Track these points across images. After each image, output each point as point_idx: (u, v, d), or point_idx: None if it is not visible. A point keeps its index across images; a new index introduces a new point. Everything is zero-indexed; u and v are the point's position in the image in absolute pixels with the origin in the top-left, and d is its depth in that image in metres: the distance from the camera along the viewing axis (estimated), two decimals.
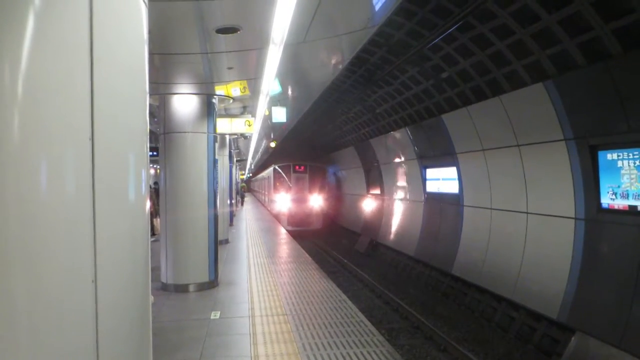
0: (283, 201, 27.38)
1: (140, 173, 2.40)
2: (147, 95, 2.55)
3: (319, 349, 5.29)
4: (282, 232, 18.11)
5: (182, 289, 8.12)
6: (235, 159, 26.15)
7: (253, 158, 40.41)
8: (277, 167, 28.36)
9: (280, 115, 10.95)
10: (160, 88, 8.03)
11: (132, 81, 2.35)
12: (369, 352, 5.17)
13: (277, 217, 27.17)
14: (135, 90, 2.39)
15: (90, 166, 2.07)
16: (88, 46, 2.05)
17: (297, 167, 28.07)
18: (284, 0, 4.45)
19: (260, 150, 32.39)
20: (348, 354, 5.15)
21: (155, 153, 11.90)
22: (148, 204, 2.54)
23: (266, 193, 36.21)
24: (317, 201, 27.62)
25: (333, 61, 7.85)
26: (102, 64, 2.09)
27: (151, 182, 18.58)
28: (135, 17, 2.34)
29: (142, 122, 2.47)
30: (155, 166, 19.81)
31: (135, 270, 2.34)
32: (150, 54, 5.95)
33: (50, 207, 2.02)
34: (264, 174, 37.86)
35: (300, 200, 27.28)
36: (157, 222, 12.63)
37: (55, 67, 2.00)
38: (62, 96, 2.02)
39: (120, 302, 2.21)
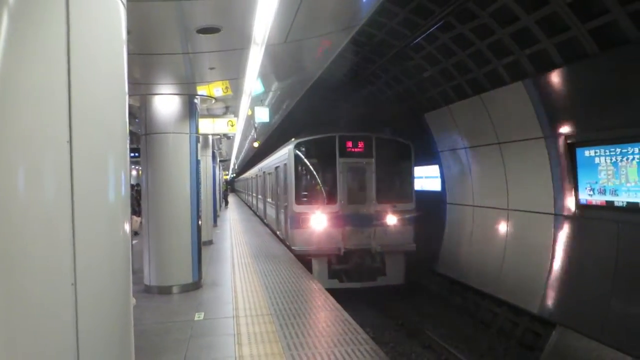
0: (315, 220, 12.21)
1: (120, 175, 2.39)
2: (127, 96, 2.54)
3: (303, 348, 5.30)
4: (266, 232, 18.09)
5: (165, 290, 8.06)
6: (218, 159, 25.96)
7: (237, 158, 39.35)
8: (298, 145, 12.74)
9: (263, 115, 10.92)
10: (141, 89, 7.96)
11: (110, 82, 2.34)
12: (353, 350, 5.20)
13: (286, 242, 13.78)
14: (114, 92, 2.39)
15: (69, 169, 2.06)
16: (65, 48, 2.03)
17: (348, 144, 12.62)
18: (265, 1, 4.45)
19: (245, 149, 31.63)
20: (333, 352, 5.17)
21: (137, 154, 11.79)
22: (129, 205, 2.53)
23: (266, 198, 20.04)
24: (397, 222, 12.50)
25: (315, 61, 7.86)
26: (80, 65, 2.08)
27: (134, 183, 18.38)
28: (113, 17, 2.33)
29: (122, 123, 2.46)
30: (136, 167, 19.59)
31: (116, 273, 2.33)
32: (130, 54, 5.90)
33: (28, 210, 2.00)
34: (265, 165, 20.31)
35: (357, 220, 12.37)
36: (137, 220, 12.50)
37: (32, 70, 1.99)
38: (39, 99, 2.00)
39: (100, 305, 2.20)
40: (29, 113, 1.97)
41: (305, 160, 12.44)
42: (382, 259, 12.21)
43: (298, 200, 12.20)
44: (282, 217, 14.29)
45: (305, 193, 12.46)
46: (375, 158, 12.30)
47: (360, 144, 12.35)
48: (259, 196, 25.31)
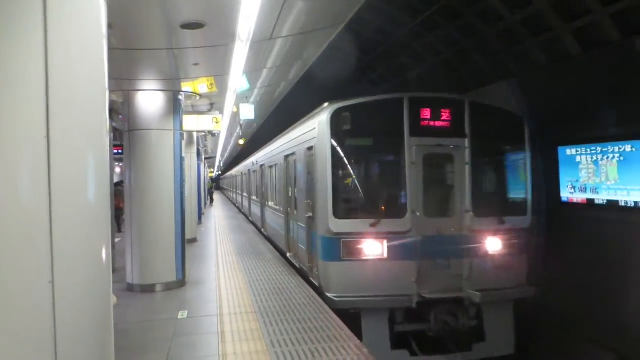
0: (368, 248, 7.01)
1: (101, 171, 2.36)
2: (107, 92, 2.50)
3: (287, 345, 5.29)
4: (252, 229, 18.03)
5: (148, 289, 7.98)
6: (203, 157, 25.78)
7: (222, 156, 39.07)
8: (338, 114, 7.14)
9: (248, 112, 10.87)
10: (125, 84, 7.86)
11: (90, 77, 2.30)
12: (337, 347, 5.21)
13: (311, 279, 8.21)
14: (94, 86, 2.35)
15: (46, 165, 2.02)
16: (42, 42, 1.99)
17: (425, 113, 7.26)
18: None
19: (230, 146, 31.44)
20: (317, 349, 5.17)
21: (120, 151, 11.66)
22: (109, 203, 2.49)
23: (267, 203, 14.70)
24: (506, 249, 7.36)
25: (300, 58, 7.85)
26: (58, 60, 2.04)
27: (117, 180, 18.18)
28: (93, 11, 2.29)
29: (102, 119, 2.42)
30: (121, 164, 19.39)
31: (96, 271, 2.29)
32: (112, 49, 5.82)
33: (4, 207, 1.96)
34: (265, 155, 15.12)
35: (440, 246, 7.14)
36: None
37: (7, 63, 1.94)
38: (15, 93, 1.96)
39: (79, 303, 2.17)
40: (4, 107, 1.93)
41: (351, 141, 7.25)
42: (479, 314, 7.22)
43: (337, 212, 7.03)
44: (302, 235, 8.75)
45: (350, 198, 7.46)
46: (471, 139, 7.23)
47: (445, 114, 7.27)
48: (254, 198, 18.59)
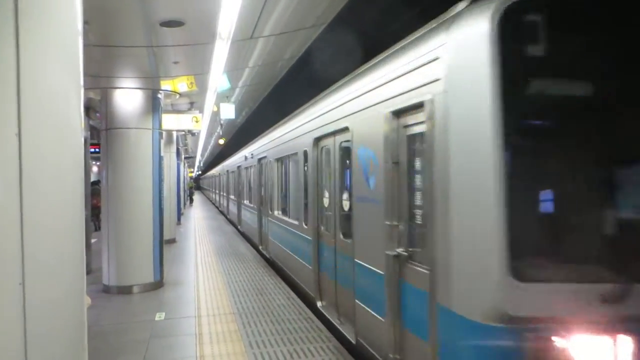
0: None
1: (75, 170, 2.31)
2: (82, 89, 2.45)
3: (265, 347, 5.26)
4: (232, 230, 17.89)
5: (125, 290, 7.85)
6: (183, 156, 25.53)
7: (202, 155, 38.77)
8: (513, 15, 2.69)
9: (228, 112, 10.79)
10: (102, 82, 7.72)
11: (64, 74, 2.25)
12: (315, 348, 5.20)
13: None
14: (69, 84, 2.29)
15: (18, 163, 1.97)
16: (14, 38, 1.94)
17: None
18: None
19: (210, 146, 31.18)
20: (295, 350, 5.16)
21: (97, 149, 11.45)
22: (83, 203, 2.44)
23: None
24: None
25: (281, 58, 7.82)
26: (30, 55, 1.98)
27: (95, 180, 17.86)
28: (67, 6, 2.23)
29: (76, 117, 2.36)
30: (98, 163, 19.06)
31: (68, 272, 2.24)
32: (89, 45, 5.71)
33: None
34: (270, 142, 10.29)
35: None
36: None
37: None
38: None
39: (51, 305, 2.11)
40: None
41: (553, 87, 2.91)
42: None
43: (522, 262, 2.74)
44: (370, 292, 4.51)
45: (550, 229, 2.99)
46: None
47: None
48: (246, 203, 14.97)
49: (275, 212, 9.70)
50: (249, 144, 15.07)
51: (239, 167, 16.55)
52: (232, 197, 19.57)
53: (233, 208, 19.09)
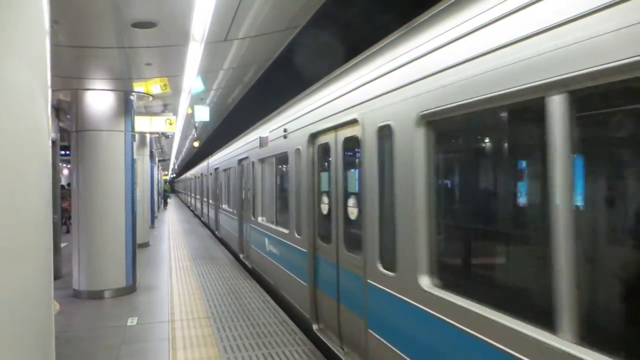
0: None
1: (41, 173, 2.25)
2: (49, 90, 2.39)
3: (240, 351, 5.23)
4: (207, 234, 17.70)
5: (96, 295, 7.69)
6: (157, 159, 25.17)
7: (177, 158, 38.32)
8: None
9: (203, 114, 10.69)
10: (73, 83, 7.57)
11: (30, 74, 2.19)
12: (290, 352, 5.19)
13: None
14: (35, 84, 2.24)
15: None
16: None
17: None
18: None
19: (185, 148, 30.84)
20: (270, 354, 5.13)
21: (68, 152, 11.20)
22: (50, 206, 2.38)
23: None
24: None
25: (256, 61, 7.80)
26: None
27: (65, 183, 17.46)
28: (34, 5, 2.18)
29: (43, 118, 2.31)
30: (68, 165, 18.63)
31: (34, 278, 2.18)
32: (59, 46, 5.60)
33: None
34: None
35: None
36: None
37: None
38: None
39: (15, 312, 2.05)
40: None
41: None
42: None
43: None
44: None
45: None
46: None
47: None
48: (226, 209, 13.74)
49: (259, 219, 8.90)
50: (226, 145, 14.61)
51: (216, 169, 16.13)
52: (210, 201, 18.88)
53: (210, 213, 18.52)
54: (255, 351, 5.23)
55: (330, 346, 4.97)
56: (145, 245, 13.62)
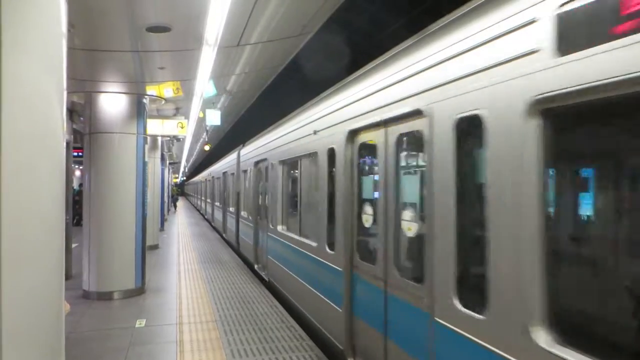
0: None
1: (55, 177, 2.27)
2: (65, 92, 2.42)
3: (247, 356, 5.22)
4: (215, 237, 17.75)
5: (105, 296, 7.74)
6: (168, 162, 25.33)
7: (187, 161, 38.49)
8: None
9: (214, 118, 10.76)
10: (87, 85, 7.65)
11: (47, 76, 2.22)
12: (297, 357, 5.17)
13: None
14: (51, 86, 2.26)
15: None
16: None
17: None
18: (217, 3, 4.40)
19: (196, 152, 30.97)
20: (277, 359, 5.12)
21: (80, 153, 11.31)
22: (63, 207, 2.40)
23: None
24: None
25: (268, 66, 7.83)
26: (12, 56, 1.96)
27: (77, 184, 17.63)
28: (52, 9, 2.22)
29: (59, 120, 2.34)
30: (80, 167, 18.79)
31: (46, 278, 2.20)
32: (74, 49, 5.68)
33: None
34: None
35: None
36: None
37: None
38: None
39: (27, 312, 2.07)
40: None
41: None
42: None
43: None
44: None
45: None
46: None
47: None
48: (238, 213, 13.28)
49: (279, 227, 8.07)
50: (237, 148, 13.98)
51: (224, 173, 15.23)
52: (222, 205, 17.68)
53: (221, 217, 17.64)
54: (263, 356, 5.22)
55: None
56: (155, 247, 13.69)
